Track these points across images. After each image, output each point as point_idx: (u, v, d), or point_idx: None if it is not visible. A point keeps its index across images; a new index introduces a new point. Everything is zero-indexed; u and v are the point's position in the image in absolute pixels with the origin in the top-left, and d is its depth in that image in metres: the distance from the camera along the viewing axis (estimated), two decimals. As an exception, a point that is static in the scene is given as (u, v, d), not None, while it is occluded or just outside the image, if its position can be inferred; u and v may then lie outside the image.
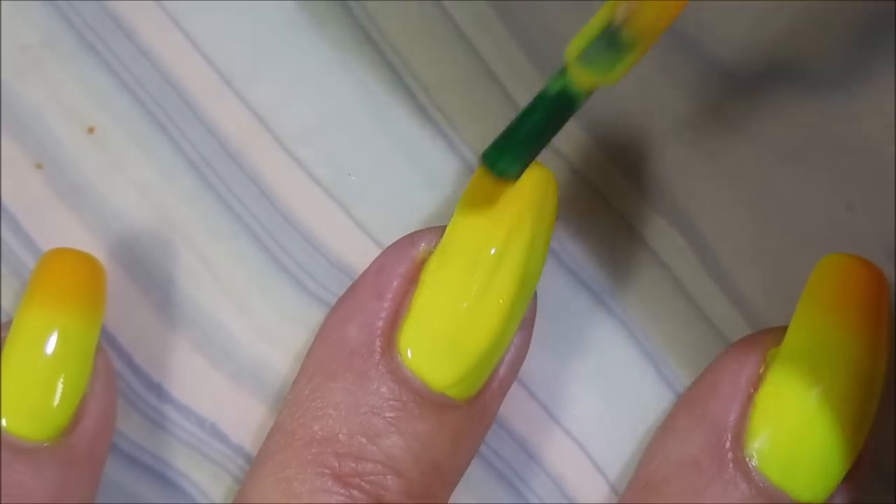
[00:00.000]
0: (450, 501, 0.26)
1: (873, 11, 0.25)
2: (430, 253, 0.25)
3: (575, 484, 0.28)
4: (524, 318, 0.25)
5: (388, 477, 0.25)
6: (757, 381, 0.25)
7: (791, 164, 0.27)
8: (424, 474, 0.25)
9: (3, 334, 0.26)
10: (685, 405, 0.26)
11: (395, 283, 0.25)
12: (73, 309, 0.25)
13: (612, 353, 0.28)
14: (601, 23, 0.21)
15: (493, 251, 0.25)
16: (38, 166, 0.26)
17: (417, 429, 0.25)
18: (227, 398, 0.28)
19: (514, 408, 0.28)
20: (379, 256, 0.26)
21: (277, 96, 0.26)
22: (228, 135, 0.26)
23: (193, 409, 0.28)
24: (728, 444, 0.25)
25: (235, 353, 0.27)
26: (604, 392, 0.28)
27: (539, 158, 0.23)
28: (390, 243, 0.26)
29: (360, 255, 0.27)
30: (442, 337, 0.25)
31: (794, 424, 0.25)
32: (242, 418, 0.28)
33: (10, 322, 0.26)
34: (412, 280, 0.25)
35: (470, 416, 0.26)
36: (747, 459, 0.25)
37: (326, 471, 0.25)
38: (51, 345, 0.25)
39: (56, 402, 0.25)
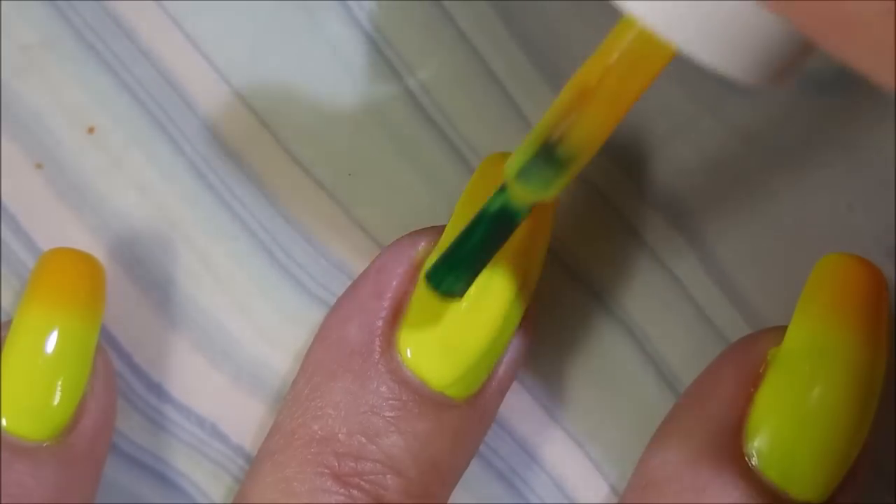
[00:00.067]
0: (450, 501, 0.26)
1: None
2: (429, 253, 0.25)
3: (575, 484, 0.28)
4: (524, 318, 0.25)
5: (388, 476, 0.25)
6: (757, 381, 0.25)
7: (791, 163, 0.26)
8: (424, 473, 0.25)
9: (2, 334, 0.26)
10: (685, 405, 0.26)
11: (394, 283, 0.25)
12: (72, 308, 0.25)
13: (612, 353, 0.28)
14: (538, 140, 0.21)
15: (492, 251, 0.25)
16: (38, 166, 0.26)
17: (417, 428, 0.25)
18: (227, 398, 0.28)
19: (514, 408, 0.28)
20: (379, 256, 0.26)
21: (277, 96, 0.26)
22: (228, 135, 0.26)
23: (193, 409, 0.28)
24: (728, 444, 0.25)
25: (235, 353, 0.27)
26: (604, 392, 0.28)
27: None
28: (390, 243, 0.26)
29: (360, 255, 0.27)
30: (441, 336, 0.25)
31: (794, 424, 0.25)
32: (242, 418, 0.28)
33: (9, 322, 0.26)
34: (412, 280, 0.25)
35: (469, 416, 0.26)
36: (747, 459, 0.25)
37: (326, 470, 0.25)
38: (51, 344, 0.25)
39: (56, 401, 0.25)
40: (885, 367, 0.25)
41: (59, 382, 0.25)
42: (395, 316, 0.25)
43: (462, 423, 0.25)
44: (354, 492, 0.25)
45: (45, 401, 0.25)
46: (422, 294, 0.25)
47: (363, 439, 0.25)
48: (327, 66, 0.26)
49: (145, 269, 0.27)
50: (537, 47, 0.26)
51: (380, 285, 0.26)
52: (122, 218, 0.27)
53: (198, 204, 0.27)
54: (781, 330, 0.25)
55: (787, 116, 0.26)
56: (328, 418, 0.25)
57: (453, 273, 0.23)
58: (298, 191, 0.27)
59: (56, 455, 0.25)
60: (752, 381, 0.25)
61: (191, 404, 0.28)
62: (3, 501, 0.25)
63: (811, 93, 0.26)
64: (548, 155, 0.21)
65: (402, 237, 0.26)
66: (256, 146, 0.27)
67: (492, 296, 0.25)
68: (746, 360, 0.26)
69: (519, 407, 0.28)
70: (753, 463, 0.25)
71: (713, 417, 0.25)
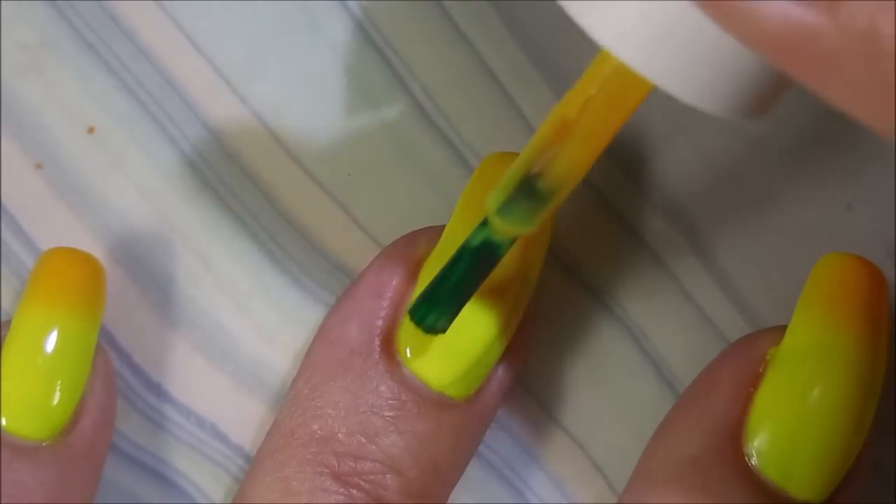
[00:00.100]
0: (450, 501, 0.26)
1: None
2: (429, 253, 0.25)
3: (575, 484, 0.28)
4: (524, 318, 0.25)
5: (388, 476, 0.25)
6: (756, 380, 0.25)
7: (791, 164, 0.26)
8: (424, 473, 0.25)
9: (2, 333, 0.26)
10: (685, 405, 0.26)
11: (394, 283, 0.25)
12: (72, 308, 0.25)
13: (612, 353, 0.28)
14: (518, 174, 0.21)
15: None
16: (38, 166, 0.26)
17: (417, 428, 0.25)
18: (227, 398, 0.28)
19: (514, 408, 0.28)
20: (378, 256, 0.26)
21: (277, 96, 0.26)
22: (228, 135, 0.26)
23: (193, 409, 0.28)
24: (728, 443, 0.25)
25: (235, 353, 0.27)
26: (604, 392, 0.28)
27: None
28: (390, 243, 0.26)
29: (360, 255, 0.27)
30: (441, 336, 0.25)
31: (793, 423, 0.25)
32: (242, 418, 0.28)
33: (9, 321, 0.26)
34: (412, 280, 0.25)
35: (469, 416, 0.26)
36: (747, 458, 0.25)
37: (325, 470, 0.25)
38: (50, 344, 0.25)
39: (55, 401, 0.25)
40: (884, 367, 0.25)
41: (59, 382, 0.25)
42: (395, 316, 0.25)
43: (462, 422, 0.25)
44: (354, 491, 0.25)
45: (45, 400, 0.25)
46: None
47: (363, 439, 0.25)
48: (327, 66, 0.26)
49: (145, 269, 0.27)
50: (537, 47, 0.26)
51: (380, 285, 0.26)
52: (122, 218, 0.27)
53: (198, 204, 0.27)
54: (781, 330, 0.25)
55: (787, 116, 0.26)
56: (328, 418, 0.25)
57: (436, 309, 0.23)
58: (298, 191, 0.27)
59: (56, 455, 0.25)
60: (752, 381, 0.25)
61: (191, 404, 0.28)
62: (2, 501, 0.25)
63: (811, 92, 0.26)
64: (529, 189, 0.21)
65: (402, 237, 0.26)
66: (256, 146, 0.26)
67: (492, 296, 0.25)
68: (746, 360, 0.26)
69: (519, 407, 0.28)
70: (753, 462, 0.25)
71: (713, 417, 0.25)
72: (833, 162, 0.26)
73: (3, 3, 0.26)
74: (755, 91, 0.18)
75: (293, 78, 0.26)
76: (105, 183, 0.27)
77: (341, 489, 0.25)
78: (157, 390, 0.27)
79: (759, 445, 0.25)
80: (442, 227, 0.26)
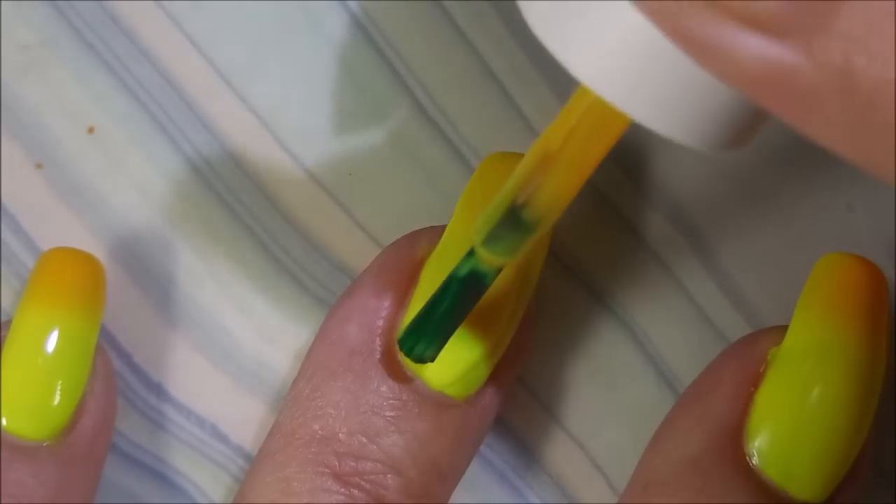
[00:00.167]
0: (450, 501, 0.26)
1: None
2: (429, 253, 0.25)
3: (575, 484, 0.28)
4: (524, 318, 0.25)
5: (388, 476, 0.25)
6: (757, 381, 0.25)
7: (791, 164, 0.27)
8: (424, 473, 0.25)
9: (2, 334, 0.26)
10: (685, 405, 0.26)
11: (394, 283, 0.25)
12: (72, 308, 0.25)
13: (612, 353, 0.28)
14: (503, 204, 0.21)
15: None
16: (38, 166, 0.26)
17: (417, 428, 0.25)
18: (227, 398, 0.28)
19: (514, 408, 0.28)
20: (379, 256, 0.26)
21: (277, 96, 0.26)
22: (228, 135, 0.26)
23: (193, 408, 0.28)
24: (728, 443, 0.25)
25: (235, 353, 0.27)
26: (604, 392, 0.28)
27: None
28: (390, 243, 0.26)
29: (360, 255, 0.27)
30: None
31: (794, 423, 0.25)
32: (242, 418, 0.28)
33: (9, 321, 0.26)
34: (412, 279, 0.25)
35: (469, 415, 0.26)
36: (747, 458, 0.25)
37: (326, 470, 0.25)
38: (50, 344, 0.25)
39: (56, 401, 0.25)
40: (885, 367, 0.25)
41: (59, 382, 0.25)
42: (396, 315, 0.25)
43: (462, 422, 0.25)
44: (355, 491, 0.25)
45: (45, 400, 0.25)
46: (423, 293, 0.25)
47: (363, 439, 0.25)
48: (327, 66, 0.26)
49: (145, 269, 0.27)
50: (537, 47, 0.26)
51: (380, 285, 0.26)
52: (122, 218, 0.27)
53: (198, 204, 0.27)
54: (781, 330, 0.25)
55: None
56: (328, 418, 0.25)
57: (425, 339, 0.23)
58: (298, 191, 0.27)
59: (56, 455, 0.25)
60: (753, 381, 0.25)
61: (191, 404, 0.28)
62: (2, 501, 0.25)
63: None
64: (514, 219, 0.21)
65: (402, 237, 0.26)
66: (256, 146, 0.26)
67: (492, 296, 0.25)
68: (747, 360, 0.26)
69: (519, 407, 0.28)
70: (754, 462, 0.25)
71: (713, 417, 0.25)
72: (833, 162, 0.26)
73: (3, 3, 0.26)
74: (733, 125, 0.19)
75: (293, 78, 0.26)
76: (105, 183, 0.27)
77: (342, 489, 0.25)
78: (157, 390, 0.27)
79: (759, 445, 0.25)
80: (442, 228, 0.26)
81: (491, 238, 0.21)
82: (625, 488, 0.27)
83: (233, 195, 0.27)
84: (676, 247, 0.27)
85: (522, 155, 0.21)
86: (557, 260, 0.27)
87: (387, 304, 0.25)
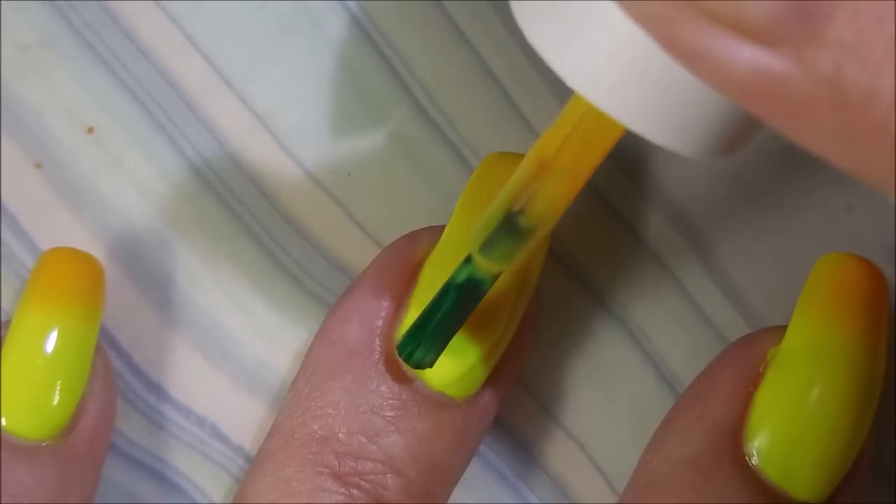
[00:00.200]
0: (450, 501, 0.26)
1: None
2: (429, 253, 0.25)
3: (575, 484, 0.28)
4: (524, 318, 0.25)
5: (388, 476, 0.25)
6: (757, 380, 0.25)
7: (791, 164, 0.27)
8: (424, 473, 0.25)
9: (2, 334, 0.26)
10: (685, 405, 0.26)
11: (394, 283, 0.25)
12: (72, 308, 0.25)
13: (612, 353, 0.28)
14: (500, 212, 0.21)
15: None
16: (38, 166, 0.26)
17: (417, 428, 0.25)
18: (227, 398, 0.28)
19: (514, 408, 0.28)
20: (378, 256, 0.26)
21: (277, 96, 0.26)
22: (228, 135, 0.26)
23: (193, 408, 0.28)
24: (728, 443, 0.25)
25: (235, 352, 0.27)
26: (604, 392, 0.28)
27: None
28: (390, 243, 0.26)
29: (360, 255, 0.27)
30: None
31: (793, 423, 0.25)
32: (242, 418, 0.28)
33: (9, 321, 0.26)
34: (412, 279, 0.25)
35: (469, 415, 0.26)
36: (747, 458, 0.25)
37: (326, 470, 0.25)
38: (50, 344, 0.25)
39: (55, 401, 0.25)
40: (885, 367, 0.25)
41: (59, 382, 0.25)
42: (395, 315, 0.25)
43: (462, 422, 0.25)
44: (354, 491, 0.25)
45: (45, 401, 0.25)
46: (422, 294, 0.25)
47: (363, 439, 0.25)
48: (327, 66, 0.26)
49: (145, 269, 0.27)
50: (537, 47, 0.26)
51: (380, 285, 0.26)
52: (122, 218, 0.27)
53: (198, 204, 0.27)
54: (781, 330, 0.25)
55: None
56: (328, 418, 0.25)
57: (423, 345, 0.23)
58: (298, 191, 0.27)
59: (55, 455, 0.25)
60: (752, 381, 0.25)
61: (190, 404, 0.28)
62: (2, 501, 0.25)
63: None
64: (510, 226, 0.21)
65: (402, 237, 0.26)
66: (256, 146, 0.26)
67: (492, 296, 0.25)
68: (746, 360, 0.26)
69: (519, 407, 0.28)
70: (753, 462, 0.25)
71: (713, 417, 0.25)
72: (833, 162, 0.26)
73: (3, 3, 0.26)
74: (726, 133, 0.19)
75: (293, 78, 0.26)
76: (105, 183, 0.27)
77: (342, 489, 0.25)
78: (157, 390, 0.27)
79: (759, 445, 0.25)
80: (442, 228, 0.26)
81: (487, 245, 0.22)
82: (624, 488, 0.27)
83: (232, 195, 0.27)
84: (676, 247, 0.27)
85: (522, 155, 0.21)
86: (557, 260, 0.27)
87: (386, 304, 0.25)
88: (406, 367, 0.25)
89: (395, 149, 0.27)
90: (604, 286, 0.27)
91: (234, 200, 0.27)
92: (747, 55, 0.16)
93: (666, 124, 0.18)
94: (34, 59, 0.26)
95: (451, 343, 0.24)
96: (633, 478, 0.26)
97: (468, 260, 0.23)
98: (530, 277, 0.25)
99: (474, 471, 0.28)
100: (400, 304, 0.25)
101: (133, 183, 0.27)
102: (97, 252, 0.26)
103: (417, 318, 0.23)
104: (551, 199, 0.21)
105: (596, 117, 0.20)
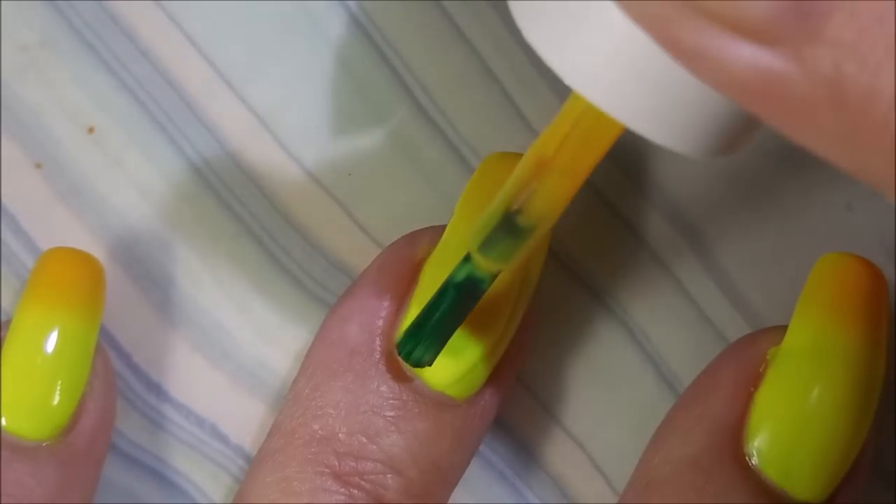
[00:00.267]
0: (450, 501, 0.26)
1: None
2: (429, 253, 0.25)
3: (575, 484, 0.28)
4: (524, 318, 0.25)
5: (388, 476, 0.25)
6: (757, 381, 0.25)
7: (791, 163, 0.27)
8: (424, 473, 0.25)
9: (2, 334, 0.26)
10: (685, 405, 0.26)
11: (394, 283, 0.25)
12: (72, 308, 0.25)
13: (612, 353, 0.28)
14: (499, 211, 0.21)
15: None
16: (38, 166, 0.26)
17: (417, 428, 0.25)
18: (227, 398, 0.28)
19: (514, 408, 0.28)
20: (379, 256, 0.26)
21: (277, 96, 0.26)
22: (228, 135, 0.26)
23: (193, 408, 0.28)
24: (728, 443, 0.25)
25: (235, 353, 0.27)
26: (604, 392, 0.28)
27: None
28: (390, 243, 0.26)
29: (360, 255, 0.27)
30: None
31: (794, 423, 0.25)
32: (242, 418, 0.28)
33: (9, 321, 0.26)
34: (412, 279, 0.25)
35: (470, 415, 0.26)
36: (747, 458, 0.25)
37: (326, 470, 0.25)
38: (50, 344, 0.25)
39: (55, 401, 0.25)
40: (885, 367, 0.25)
41: (59, 382, 0.25)
42: (396, 315, 0.25)
43: (462, 422, 0.25)
44: (355, 491, 0.25)
45: (45, 400, 0.25)
46: (422, 293, 0.25)
47: (364, 439, 0.25)
48: (327, 66, 0.26)
49: (145, 269, 0.27)
50: (537, 47, 0.26)
51: (380, 285, 0.26)
52: (122, 218, 0.27)
53: (198, 204, 0.27)
54: (781, 329, 0.25)
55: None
56: (328, 418, 0.25)
57: (422, 344, 0.24)
58: (298, 191, 0.27)
59: (55, 454, 0.25)
60: (752, 381, 0.25)
61: (190, 404, 0.28)
62: (2, 501, 0.25)
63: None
64: (509, 224, 0.21)
65: (402, 237, 0.26)
66: (256, 146, 0.26)
67: (492, 296, 0.25)
68: (746, 360, 0.26)
69: (519, 407, 0.28)
70: (753, 462, 0.25)
71: (713, 417, 0.25)
72: (833, 162, 0.26)
73: (3, 3, 0.26)
74: (725, 133, 0.19)
75: (293, 78, 0.26)
76: (105, 183, 0.27)
77: (342, 489, 0.25)
78: (157, 390, 0.27)
79: (759, 445, 0.25)
80: (442, 228, 0.26)
81: (486, 244, 0.22)
82: (625, 488, 0.27)
83: (232, 195, 0.27)
84: (676, 246, 0.27)
85: (522, 155, 0.21)
86: (557, 260, 0.27)
87: (387, 304, 0.25)
88: (406, 367, 0.25)
89: (396, 149, 0.27)
90: (604, 286, 0.27)
91: (234, 200, 0.27)
92: (746, 54, 0.16)
93: (665, 123, 0.18)
94: (34, 59, 0.26)
95: (451, 343, 0.24)
96: (633, 477, 0.26)
97: (467, 259, 0.23)
98: (530, 277, 0.25)
99: (474, 471, 0.28)
100: (400, 304, 0.25)
101: (133, 183, 0.27)
102: (97, 252, 0.26)
103: (416, 317, 0.23)
104: (550, 199, 0.21)
105: (594, 116, 0.20)
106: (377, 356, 0.25)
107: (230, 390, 0.27)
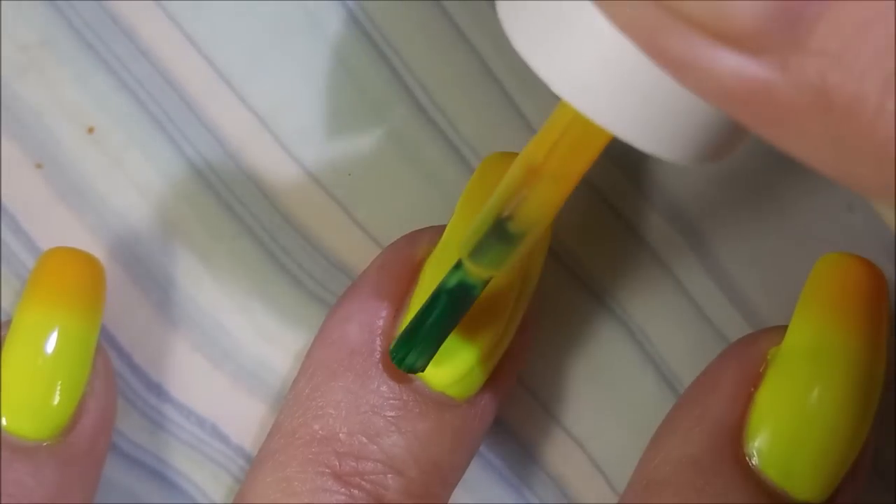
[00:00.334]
0: (450, 501, 0.26)
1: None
2: (430, 253, 0.25)
3: (575, 484, 0.28)
4: (524, 318, 0.25)
5: (389, 476, 0.25)
6: (757, 381, 0.25)
7: (791, 164, 0.26)
8: (425, 473, 0.25)
9: (2, 334, 0.26)
10: (685, 405, 0.26)
11: (395, 283, 0.25)
12: (72, 308, 0.25)
13: (612, 353, 0.28)
14: (490, 217, 0.22)
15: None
16: (38, 166, 0.26)
17: (418, 428, 0.25)
18: (227, 398, 0.28)
19: (514, 408, 0.28)
20: (379, 256, 0.26)
21: (277, 96, 0.26)
22: (228, 135, 0.26)
23: (193, 408, 0.28)
24: (728, 444, 0.25)
25: (235, 353, 0.27)
26: (604, 392, 0.28)
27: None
28: (390, 243, 0.26)
29: (360, 255, 0.27)
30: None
31: (794, 423, 0.25)
32: (242, 418, 0.28)
33: (9, 321, 0.26)
34: (412, 279, 0.25)
35: (470, 415, 0.26)
36: (747, 458, 0.25)
37: (327, 470, 0.25)
38: (50, 344, 0.25)
39: (56, 401, 0.25)
40: (884, 368, 0.25)
41: (59, 382, 0.25)
42: (396, 315, 0.25)
43: (463, 422, 0.25)
44: (355, 491, 0.25)
45: (45, 400, 0.25)
46: (422, 294, 0.25)
47: (364, 439, 0.25)
48: (327, 66, 0.26)
49: (145, 269, 0.27)
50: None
51: (380, 285, 0.26)
52: (122, 218, 0.27)
53: (198, 204, 0.27)
54: (781, 330, 0.25)
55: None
56: (329, 418, 0.25)
57: (415, 351, 0.24)
58: (298, 191, 0.27)
59: (56, 454, 0.25)
60: (753, 381, 0.25)
61: (191, 404, 0.28)
62: (2, 501, 0.25)
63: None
64: (500, 231, 0.22)
65: (402, 237, 0.26)
66: (256, 146, 0.26)
67: (492, 297, 0.25)
68: (746, 360, 0.26)
69: (519, 407, 0.28)
70: (754, 463, 0.25)
71: (713, 417, 0.25)
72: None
73: (3, 3, 0.26)
74: (713, 140, 0.19)
75: (293, 78, 0.26)
76: (105, 183, 0.27)
77: (342, 489, 0.25)
78: (157, 390, 0.27)
79: (759, 445, 0.25)
80: (442, 228, 0.26)
81: (477, 250, 0.22)
82: (625, 488, 0.27)
83: (232, 195, 0.27)
84: (675, 246, 0.27)
85: (521, 157, 0.22)
86: (557, 260, 0.27)
87: (387, 304, 0.25)
88: (402, 370, 0.25)
89: (395, 149, 0.27)
90: (604, 286, 0.27)
91: (234, 200, 0.27)
92: (732, 63, 0.16)
93: (652, 132, 0.18)
94: (34, 59, 0.26)
95: (451, 343, 0.24)
96: (633, 478, 0.26)
97: (458, 265, 0.23)
98: (530, 277, 0.25)
99: (474, 471, 0.28)
100: (400, 304, 0.25)
101: (133, 183, 0.27)
102: (97, 252, 0.26)
103: (409, 323, 0.24)
104: (540, 205, 0.21)
105: (583, 123, 0.20)
106: (377, 356, 0.25)
107: (231, 390, 0.27)
